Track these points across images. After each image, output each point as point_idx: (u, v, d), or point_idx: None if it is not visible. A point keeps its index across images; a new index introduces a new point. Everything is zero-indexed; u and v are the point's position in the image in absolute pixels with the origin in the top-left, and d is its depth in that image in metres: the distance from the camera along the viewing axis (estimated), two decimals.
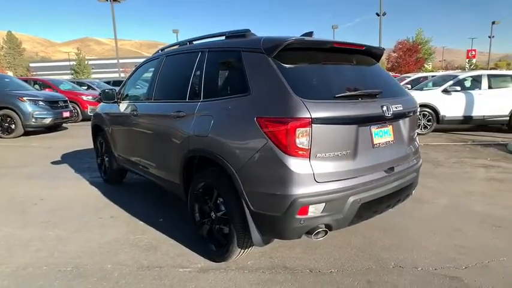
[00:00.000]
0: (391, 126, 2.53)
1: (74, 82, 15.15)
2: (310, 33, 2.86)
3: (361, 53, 2.77)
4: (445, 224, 3.31)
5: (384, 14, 26.67)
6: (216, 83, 2.73)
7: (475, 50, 46.20)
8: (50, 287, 2.39)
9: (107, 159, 4.66)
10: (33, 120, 8.81)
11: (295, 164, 2.06)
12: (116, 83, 19.61)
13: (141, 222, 3.46)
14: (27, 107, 8.76)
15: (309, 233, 2.18)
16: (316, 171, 2.09)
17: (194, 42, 3.26)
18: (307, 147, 2.07)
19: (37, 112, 8.88)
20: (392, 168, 2.51)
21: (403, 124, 2.66)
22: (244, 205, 2.26)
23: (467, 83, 8.89)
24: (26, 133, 9.00)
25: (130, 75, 4.14)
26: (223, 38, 2.86)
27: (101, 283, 2.42)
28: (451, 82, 8.56)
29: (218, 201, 2.58)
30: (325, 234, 2.22)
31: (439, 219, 3.43)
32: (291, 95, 2.10)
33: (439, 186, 4.48)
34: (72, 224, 3.47)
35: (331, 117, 2.13)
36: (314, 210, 2.11)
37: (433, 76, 12.49)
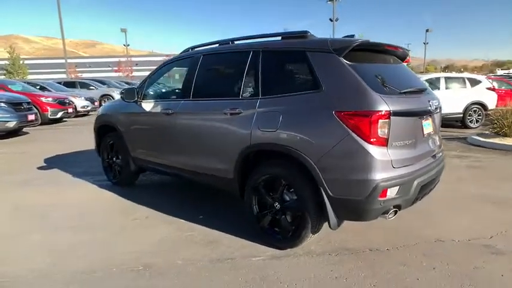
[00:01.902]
0: (431, 119, 2.91)
1: (25, 83, 13.89)
2: (352, 36, 3.14)
3: (395, 54, 3.12)
4: (456, 205, 3.81)
5: (337, 19, 28.30)
6: (277, 80, 2.88)
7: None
8: (135, 287, 2.36)
9: (118, 160, 4.51)
10: None
11: (377, 152, 2.32)
12: (68, 84, 18.36)
13: (182, 220, 3.46)
14: None
15: (384, 213, 2.45)
16: (392, 158, 2.38)
17: (236, 42, 3.36)
18: (386, 137, 2.35)
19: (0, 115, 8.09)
20: (434, 156, 2.89)
21: (437, 117, 3.06)
22: (323, 192, 2.46)
23: (427, 84, 9.94)
24: None
25: (152, 75, 4.07)
26: (275, 38, 3.03)
27: (183, 278, 2.45)
28: None
29: (286, 191, 2.74)
30: (395, 214, 2.51)
31: (447, 202, 3.92)
32: (369, 91, 2.36)
33: None
34: (107, 226, 3.36)
35: (402, 110, 2.43)
36: (391, 193, 2.39)
37: None
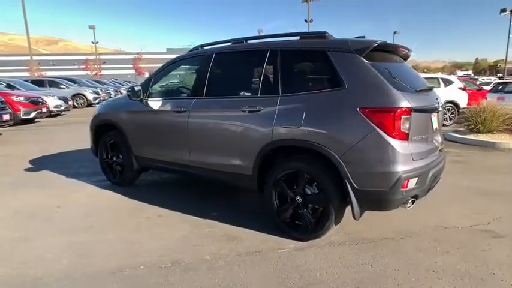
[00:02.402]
0: (437, 116, 3.14)
1: None
2: (362, 37, 3.31)
3: (402, 54, 3.32)
4: (449, 196, 4.09)
5: (311, 20, 28.92)
6: (297, 79, 2.99)
7: None
8: (168, 283, 2.38)
9: (120, 160, 4.43)
10: None
11: (400, 146, 2.49)
12: (36, 82, 17.45)
13: (196, 217, 3.48)
14: None
15: (404, 203, 2.63)
16: (412, 151, 2.56)
17: (249, 41, 3.43)
18: (407, 132, 2.52)
19: None
20: (441, 150, 3.12)
21: (440, 114, 3.30)
22: (348, 185, 2.60)
23: None
24: None
25: (158, 73, 4.04)
26: (289, 38, 3.14)
27: (216, 272, 2.50)
28: None
29: (308, 185, 2.85)
30: (413, 203, 2.70)
31: (441, 193, 4.18)
32: (391, 88, 2.53)
33: None
34: (122, 226, 3.32)
35: (419, 106, 2.62)
36: (411, 184, 2.57)
37: None
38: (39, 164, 5.81)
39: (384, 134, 2.48)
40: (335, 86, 2.71)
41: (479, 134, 7.56)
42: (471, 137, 7.46)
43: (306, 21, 29.87)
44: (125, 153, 4.32)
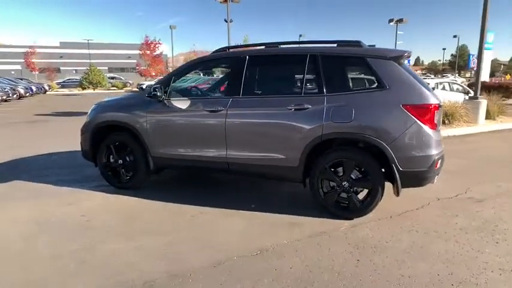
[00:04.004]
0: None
1: None
2: (373, 45, 3.92)
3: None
4: None
5: (231, 21, 29.47)
6: (341, 80, 3.45)
7: None
8: (274, 266, 2.59)
9: (128, 162, 4.24)
10: None
11: (433, 134, 3.17)
12: None
13: (240, 211, 3.64)
14: None
15: (433, 179, 3.32)
16: (439, 139, 3.27)
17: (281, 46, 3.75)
18: (437, 123, 3.21)
19: None
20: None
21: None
22: (394, 168, 3.17)
23: None
24: None
25: (177, 73, 4.01)
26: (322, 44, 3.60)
27: (305, 252, 2.80)
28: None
29: (354, 171, 3.34)
30: (435, 180, 3.42)
31: None
32: (423, 89, 3.19)
33: None
34: (170, 227, 3.30)
35: (440, 103, 3.34)
36: (439, 164, 3.28)
37: None
38: (9, 172, 5.01)
39: (423, 125, 3.13)
40: (378, 86, 3.26)
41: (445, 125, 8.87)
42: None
43: (225, 21, 30.44)
44: (139, 155, 4.16)
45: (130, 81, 39.48)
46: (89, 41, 58.34)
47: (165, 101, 3.94)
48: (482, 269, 2.56)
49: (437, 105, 3.18)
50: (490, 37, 14.62)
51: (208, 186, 4.60)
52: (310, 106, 3.38)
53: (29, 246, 2.92)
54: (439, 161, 3.28)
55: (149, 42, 41.14)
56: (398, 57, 3.31)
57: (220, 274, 2.50)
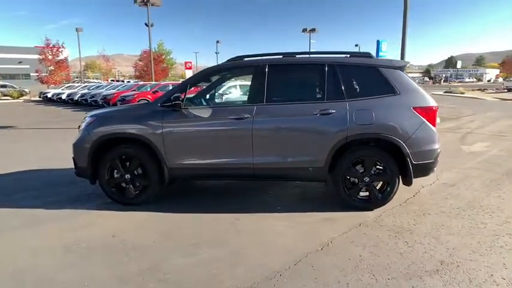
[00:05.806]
0: None
1: None
2: (368, 53, 4.45)
3: None
4: None
5: (152, 25, 28.32)
6: (358, 87, 3.85)
7: (191, 62, 48.57)
8: (354, 256, 2.84)
9: (139, 176, 4.01)
10: None
11: (436, 131, 3.81)
12: None
13: (270, 213, 3.80)
14: None
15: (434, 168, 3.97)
16: (438, 135, 3.93)
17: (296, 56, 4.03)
18: (436, 121, 3.87)
19: None
20: None
21: None
22: (408, 161, 3.71)
23: None
24: None
25: (194, 82, 3.94)
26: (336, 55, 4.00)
27: (360, 241, 3.12)
28: None
29: (375, 167, 3.79)
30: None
31: None
32: (426, 94, 3.81)
33: None
34: (221, 236, 3.29)
35: (437, 105, 4.00)
36: (439, 156, 3.94)
37: None
38: None
39: (429, 124, 3.74)
40: (391, 92, 3.77)
41: None
42: None
43: (146, 25, 29.12)
44: (152, 167, 3.96)
45: (26, 90, 33.72)
46: None
47: (183, 110, 3.85)
48: (494, 235, 3.21)
49: (437, 107, 3.84)
50: (384, 46, 15.83)
51: (219, 194, 4.58)
52: (334, 111, 3.73)
53: (83, 275, 2.61)
54: (439, 154, 3.94)
55: (51, 45, 36.61)
56: (403, 66, 3.89)
57: (305, 269, 2.64)
